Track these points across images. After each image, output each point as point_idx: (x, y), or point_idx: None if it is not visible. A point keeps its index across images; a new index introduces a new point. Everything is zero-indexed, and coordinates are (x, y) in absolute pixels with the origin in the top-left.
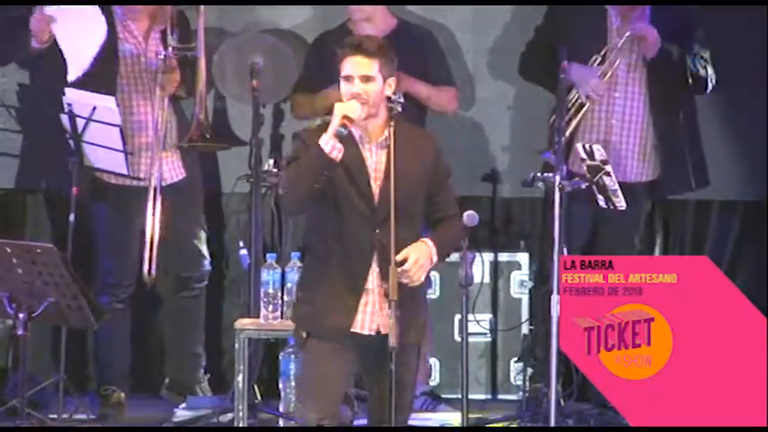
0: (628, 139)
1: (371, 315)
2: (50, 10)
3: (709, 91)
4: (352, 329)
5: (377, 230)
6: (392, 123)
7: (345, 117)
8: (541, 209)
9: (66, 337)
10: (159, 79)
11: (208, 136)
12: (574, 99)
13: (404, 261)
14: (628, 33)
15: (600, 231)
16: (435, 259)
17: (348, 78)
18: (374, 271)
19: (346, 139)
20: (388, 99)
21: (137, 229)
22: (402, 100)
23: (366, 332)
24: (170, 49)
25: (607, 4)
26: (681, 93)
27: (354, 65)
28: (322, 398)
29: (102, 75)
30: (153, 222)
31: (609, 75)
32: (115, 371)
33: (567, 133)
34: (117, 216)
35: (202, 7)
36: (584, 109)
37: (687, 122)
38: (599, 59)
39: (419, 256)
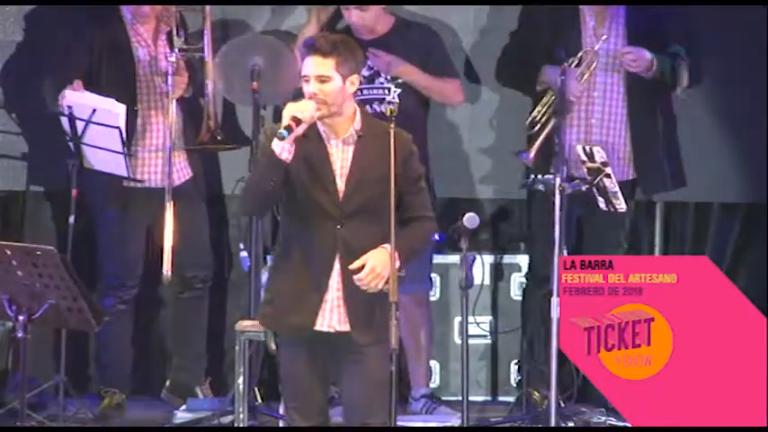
0: (608, 139)
1: (330, 313)
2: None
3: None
4: (315, 328)
5: (339, 227)
6: (392, 126)
7: (293, 118)
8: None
9: (66, 339)
10: (170, 82)
11: (219, 138)
12: (549, 101)
13: (361, 268)
14: (604, 37)
15: (585, 232)
16: (398, 264)
17: (306, 78)
18: (336, 269)
19: (312, 137)
20: (381, 101)
21: (142, 231)
22: (397, 100)
23: (325, 329)
24: (177, 50)
25: (595, 4)
26: (661, 92)
27: (310, 65)
28: (303, 407)
29: (122, 81)
30: (169, 224)
31: (586, 77)
32: (116, 372)
33: (544, 135)
34: (123, 217)
35: (208, 8)
36: None
37: (665, 122)
38: (576, 62)
39: (376, 264)
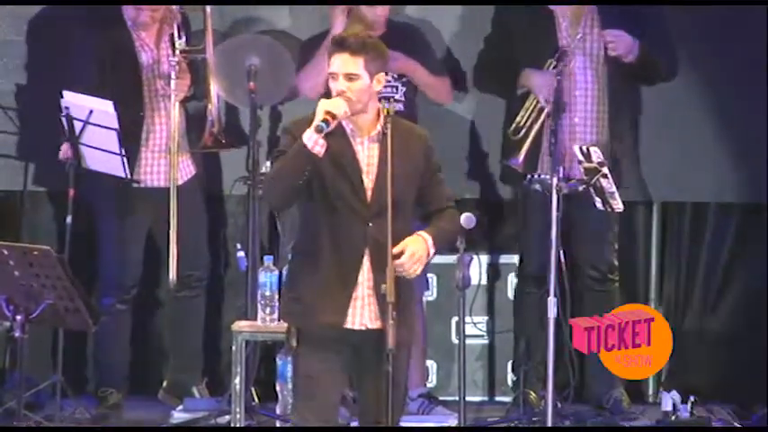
0: (591, 137)
1: (361, 310)
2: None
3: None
4: (345, 326)
5: (369, 224)
6: (389, 123)
7: (328, 113)
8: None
9: (63, 339)
10: (173, 85)
11: (223, 141)
12: (533, 105)
13: (400, 254)
14: (579, 35)
15: (572, 232)
16: (432, 252)
17: (334, 75)
18: (366, 266)
19: (338, 134)
20: (389, 99)
21: (143, 231)
22: (403, 99)
23: (356, 327)
24: (178, 52)
25: (584, 4)
26: (633, 91)
27: (339, 62)
28: (318, 406)
29: (127, 86)
30: (174, 229)
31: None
32: (114, 372)
33: (531, 138)
34: (124, 218)
35: (209, 8)
36: (545, 112)
37: (631, 121)
38: (554, 63)
39: (415, 250)
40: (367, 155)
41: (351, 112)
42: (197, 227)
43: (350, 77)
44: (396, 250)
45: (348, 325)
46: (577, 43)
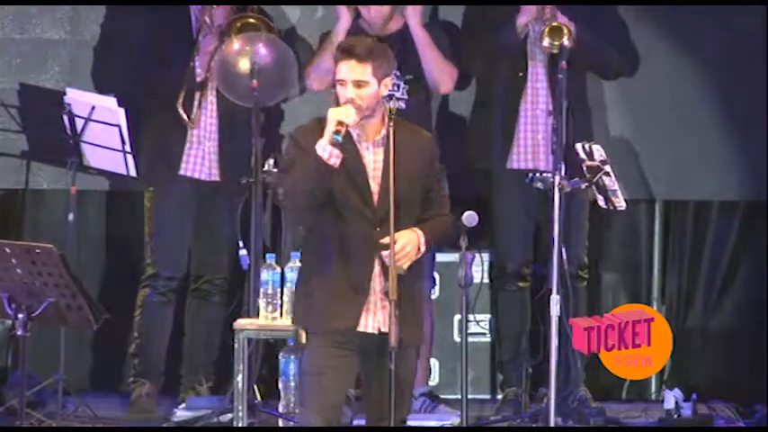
0: (556, 127)
1: (374, 314)
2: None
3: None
4: (358, 329)
5: (377, 229)
6: (392, 123)
7: (339, 123)
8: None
9: (65, 337)
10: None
11: None
12: None
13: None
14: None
15: (544, 229)
16: (423, 249)
17: (342, 82)
18: (376, 271)
19: (345, 140)
20: (390, 97)
21: (183, 224)
22: (406, 96)
23: (369, 331)
24: None
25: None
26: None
27: (347, 69)
28: (325, 405)
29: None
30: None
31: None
32: (147, 364)
33: None
34: (167, 209)
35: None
36: None
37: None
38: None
39: (406, 243)
40: (373, 159)
41: (359, 118)
42: (226, 226)
43: (359, 84)
44: (386, 240)
45: (361, 328)
46: (534, 40)
